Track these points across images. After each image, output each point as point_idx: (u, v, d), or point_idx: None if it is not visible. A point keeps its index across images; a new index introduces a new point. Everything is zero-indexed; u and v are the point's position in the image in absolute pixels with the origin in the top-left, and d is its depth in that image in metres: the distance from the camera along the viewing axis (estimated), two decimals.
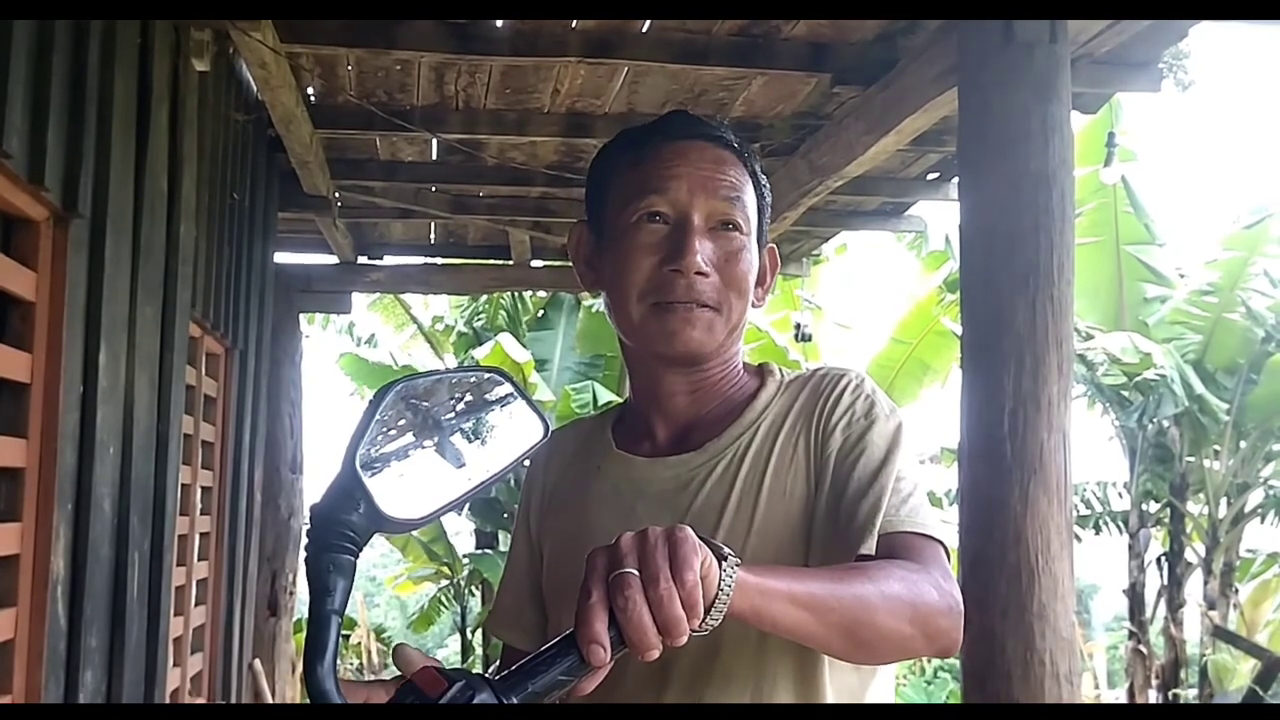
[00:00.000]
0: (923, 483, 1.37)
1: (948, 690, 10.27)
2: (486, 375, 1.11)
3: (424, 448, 1.02)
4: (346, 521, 0.94)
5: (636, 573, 0.93)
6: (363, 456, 0.95)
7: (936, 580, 1.21)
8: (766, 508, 1.35)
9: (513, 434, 1.08)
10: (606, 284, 1.43)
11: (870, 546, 1.25)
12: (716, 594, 0.98)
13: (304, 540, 0.96)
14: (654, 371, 1.44)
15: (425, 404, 1.04)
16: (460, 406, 1.08)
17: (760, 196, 1.44)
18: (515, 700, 0.90)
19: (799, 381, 1.45)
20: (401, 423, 1.01)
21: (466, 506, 11.75)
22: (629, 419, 1.52)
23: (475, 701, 0.88)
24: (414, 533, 11.82)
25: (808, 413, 1.39)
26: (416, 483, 0.99)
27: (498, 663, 1.62)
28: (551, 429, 1.12)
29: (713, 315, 1.37)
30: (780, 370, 1.48)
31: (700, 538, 0.98)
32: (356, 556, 0.94)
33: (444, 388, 1.09)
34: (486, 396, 1.10)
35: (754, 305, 1.45)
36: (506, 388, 1.10)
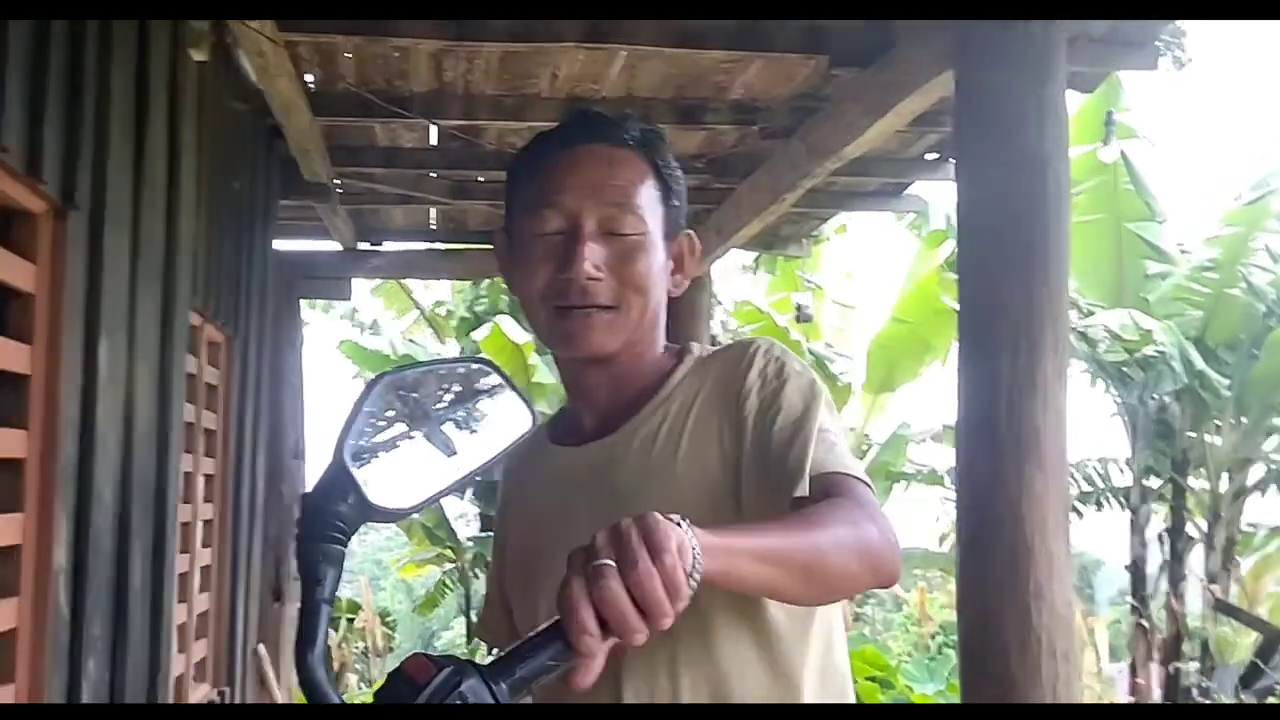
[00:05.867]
0: (843, 434, 1.43)
1: (950, 666, 10.28)
2: (475, 366, 1.13)
3: (413, 438, 1.04)
4: (336, 512, 0.96)
5: (612, 563, 0.95)
6: (351, 448, 0.97)
7: (873, 517, 1.27)
8: (684, 479, 1.40)
9: (501, 423, 1.10)
10: (518, 290, 1.50)
11: (804, 488, 1.30)
12: (692, 565, 1.00)
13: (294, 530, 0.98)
14: (573, 367, 1.52)
15: (414, 395, 1.06)
16: (449, 397, 1.10)
17: (666, 188, 1.49)
18: (504, 685, 0.92)
19: (712, 356, 1.51)
20: (390, 413, 1.03)
21: (470, 490, 11.79)
22: (566, 413, 1.60)
23: (463, 686, 0.90)
24: (417, 516, 11.85)
25: (722, 384, 1.45)
26: (405, 472, 1.01)
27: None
28: (542, 417, 1.14)
29: (611, 315, 1.43)
30: (700, 348, 1.54)
31: (663, 515, 1.00)
32: (345, 546, 0.97)
33: (432, 379, 1.11)
34: (475, 386, 1.12)
35: (671, 293, 1.51)
36: (495, 378, 1.12)
